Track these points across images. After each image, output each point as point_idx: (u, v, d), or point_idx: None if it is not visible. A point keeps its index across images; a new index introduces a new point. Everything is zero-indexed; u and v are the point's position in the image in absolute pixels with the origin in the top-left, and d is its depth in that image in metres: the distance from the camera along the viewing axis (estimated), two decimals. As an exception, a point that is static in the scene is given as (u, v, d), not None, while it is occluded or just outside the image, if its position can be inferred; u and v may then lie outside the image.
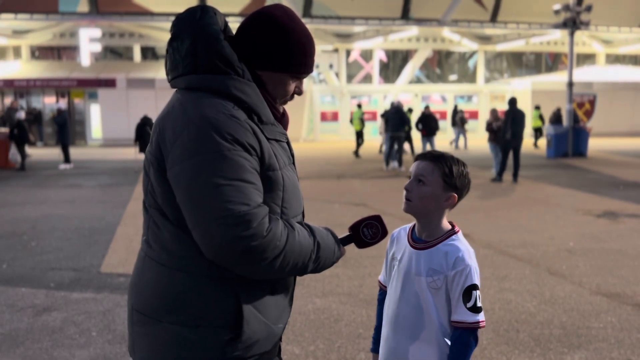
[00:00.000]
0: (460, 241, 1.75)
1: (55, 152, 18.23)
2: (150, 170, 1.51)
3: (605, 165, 15.37)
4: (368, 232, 1.67)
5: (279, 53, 1.52)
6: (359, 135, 18.31)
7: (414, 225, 1.83)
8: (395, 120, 14.36)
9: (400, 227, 1.90)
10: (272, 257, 1.38)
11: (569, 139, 17.87)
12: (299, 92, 1.62)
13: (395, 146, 14.44)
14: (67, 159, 15.85)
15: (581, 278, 5.15)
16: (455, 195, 1.75)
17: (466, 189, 1.79)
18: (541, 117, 22.71)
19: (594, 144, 20.39)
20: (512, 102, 12.00)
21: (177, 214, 1.44)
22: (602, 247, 6.30)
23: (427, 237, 1.77)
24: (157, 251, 1.51)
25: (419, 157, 1.78)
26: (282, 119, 1.62)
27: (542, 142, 21.33)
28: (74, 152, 18.17)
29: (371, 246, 1.71)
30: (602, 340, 3.78)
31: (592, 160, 16.68)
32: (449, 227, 1.79)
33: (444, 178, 1.72)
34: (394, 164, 14.58)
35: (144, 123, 14.58)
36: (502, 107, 24.05)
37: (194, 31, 1.48)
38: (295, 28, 1.54)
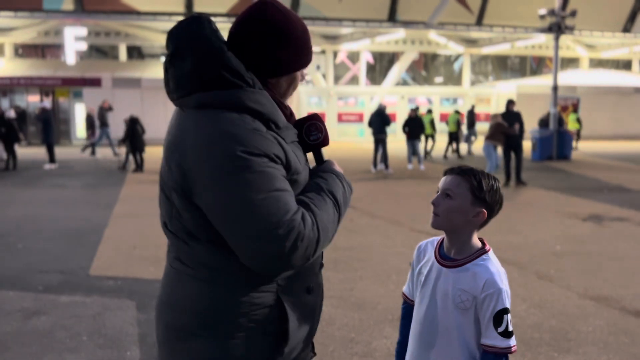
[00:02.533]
0: (491, 261, 1.67)
1: (40, 152, 18.03)
2: (172, 196, 1.47)
3: (589, 168, 15.57)
4: (313, 135, 1.61)
5: (285, 59, 1.51)
6: (430, 138, 18.77)
7: (442, 240, 1.76)
8: (378, 123, 14.41)
9: (427, 240, 1.84)
10: (314, 244, 1.39)
11: (554, 142, 18.08)
12: (303, 77, 1.61)
13: (380, 149, 14.50)
14: (52, 159, 15.68)
15: (568, 281, 5.22)
16: (485, 211, 1.67)
17: (497, 205, 1.70)
18: (579, 120, 23.15)
19: (578, 147, 20.67)
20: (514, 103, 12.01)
21: (210, 234, 1.43)
22: (588, 250, 6.38)
23: (456, 255, 1.69)
24: (195, 269, 1.48)
25: (447, 172, 1.72)
26: (291, 118, 1.61)
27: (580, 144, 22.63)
28: (59, 151, 17.97)
29: (318, 149, 1.64)
30: (590, 343, 3.84)
31: (576, 164, 16.89)
32: (479, 245, 1.71)
33: (472, 191, 1.65)
34: (381, 166, 14.64)
35: (134, 122, 14.59)
36: (486, 109, 24.40)
37: (195, 46, 1.43)
38: (292, 26, 1.51)
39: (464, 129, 20.74)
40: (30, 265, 5.79)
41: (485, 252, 1.70)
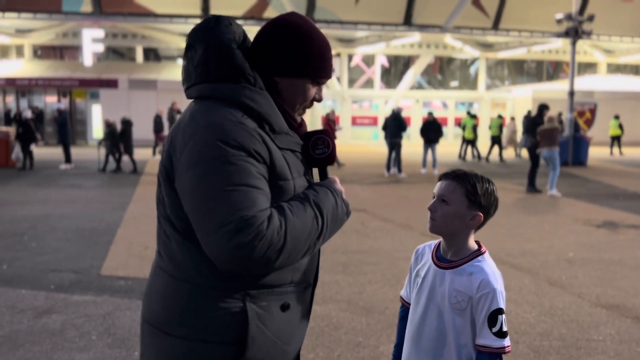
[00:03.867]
0: (487, 262, 1.70)
1: (56, 152, 18.25)
2: (161, 180, 1.51)
3: (605, 174, 15.39)
4: (319, 149, 1.60)
5: (297, 58, 1.51)
6: (471, 143, 18.82)
7: (439, 243, 1.78)
8: (394, 126, 14.39)
9: (425, 244, 1.86)
10: (277, 249, 1.34)
11: (570, 147, 17.89)
12: (319, 98, 1.61)
13: (394, 153, 14.48)
14: (67, 159, 15.89)
15: (580, 289, 5.16)
16: (481, 214, 1.70)
17: (493, 207, 1.74)
18: (620, 126, 22.89)
19: (594, 153, 20.43)
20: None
21: (185, 224, 1.43)
22: (601, 258, 6.31)
23: (453, 257, 1.72)
24: (166, 262, 1.50)
25: (442, 177, 1.74)
26: (300, 129, 1.60)
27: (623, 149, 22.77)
28: (75, 151, 18.19)
29: (323, 165, 1.63)
30: (601, 352, 3.79)
31: (592, 170, 16.70)
32: (475, 247, 1.74)
33: (467, 196, 1.68)
34: (394, 170, 14.61)
35: (128, 125, 15.16)
36: (495, 114, 24.18)
37: (206, 40, 1.49)
38: (312, 33, 1.54)
39: (520, 135, 20.56)
40: (43, 264, 5.86)
41: (481, 253, 1.72)
